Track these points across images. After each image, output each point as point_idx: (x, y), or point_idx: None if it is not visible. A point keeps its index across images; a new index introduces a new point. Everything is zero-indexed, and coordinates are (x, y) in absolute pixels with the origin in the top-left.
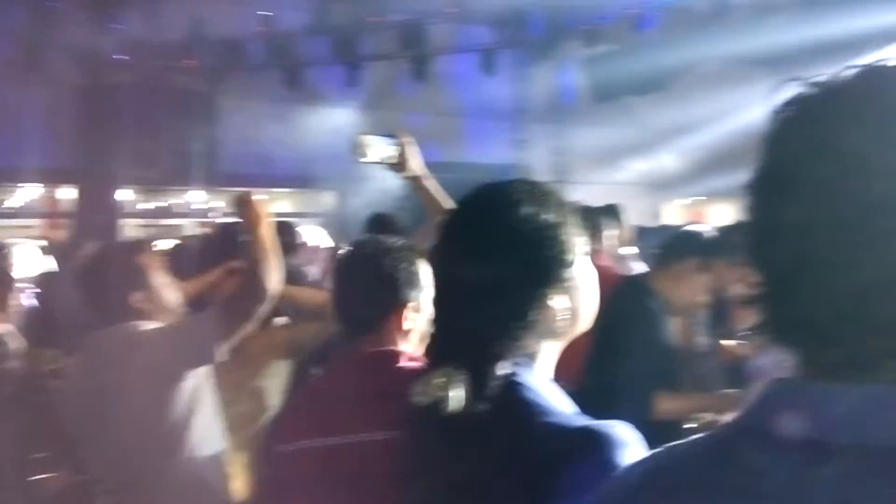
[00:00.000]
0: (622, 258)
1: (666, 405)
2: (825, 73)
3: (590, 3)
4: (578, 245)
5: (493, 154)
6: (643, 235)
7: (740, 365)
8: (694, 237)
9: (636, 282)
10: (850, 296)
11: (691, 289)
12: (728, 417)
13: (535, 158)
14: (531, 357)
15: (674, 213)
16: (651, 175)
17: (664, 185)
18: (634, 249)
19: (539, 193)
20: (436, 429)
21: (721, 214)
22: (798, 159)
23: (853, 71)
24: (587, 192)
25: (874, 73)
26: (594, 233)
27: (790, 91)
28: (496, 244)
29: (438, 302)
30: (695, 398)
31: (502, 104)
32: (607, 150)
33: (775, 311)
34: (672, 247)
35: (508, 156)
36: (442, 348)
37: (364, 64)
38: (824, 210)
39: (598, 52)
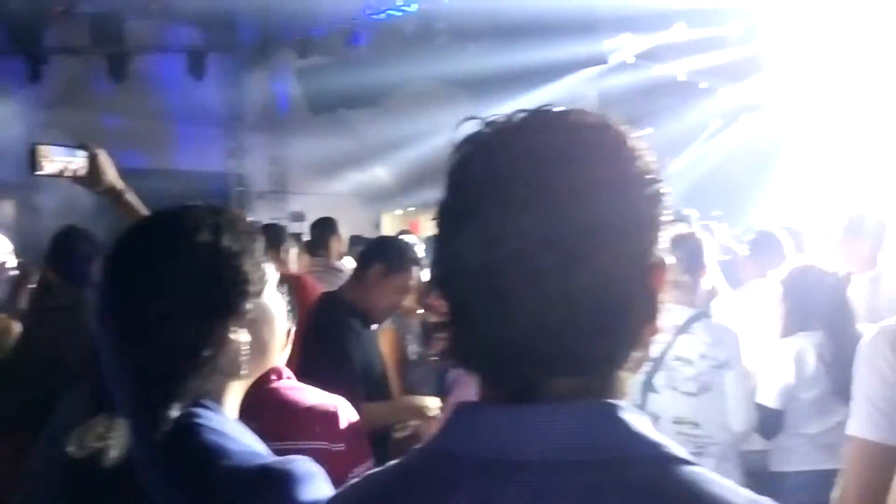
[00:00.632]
0: (339, 271)
1: (367, 417)
2: (498, 113)
3: (302, 13)
4: (265, 275)
5: (205, 161)
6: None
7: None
8: (377, 245)
9: (333, 296)
10: (518, 328)
11: (381, 295)
12: (432, 423)
13: (250, 167)
14: (214, 396)
15: (389, 223)
16: (367, 187)
17: (380, 197)
18: (352, 261)
19: (222, 220)
20: (96, 485)
21: (431, 225)
22: (472, 197)
23: (522, 115)
24: (305, 202)
25: (540, 119)
26: (308, 247)
27: (468, 129)
28: (162, 274)
29: (98, 340)
30: (394, 407)
31: (214, 110)
32: (325, 161)
33: (457, 340)
34: (360, 257)
35: (222, 164)
36: (101, 392)
37: (48, 57)
38: (497, 247)
39: (312, 63)
